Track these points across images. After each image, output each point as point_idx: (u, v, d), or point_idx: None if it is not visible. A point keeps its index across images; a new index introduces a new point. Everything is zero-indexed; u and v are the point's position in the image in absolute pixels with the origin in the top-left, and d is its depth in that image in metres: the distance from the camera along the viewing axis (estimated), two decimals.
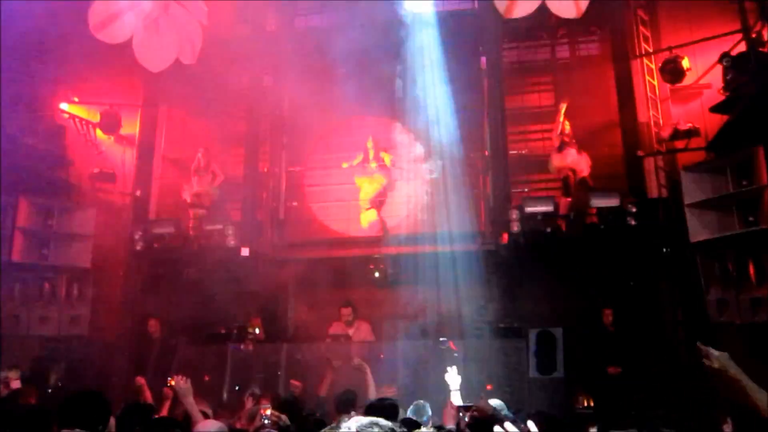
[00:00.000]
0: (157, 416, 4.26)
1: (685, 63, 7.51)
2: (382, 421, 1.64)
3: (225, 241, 8.11)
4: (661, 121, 7.94)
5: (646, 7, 8.28)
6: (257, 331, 7.67)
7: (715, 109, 6.95)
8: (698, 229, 6.79)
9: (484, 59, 8.71)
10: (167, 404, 5.33)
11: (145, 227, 8.40)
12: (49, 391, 7.24)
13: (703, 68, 7.63)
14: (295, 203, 9.29)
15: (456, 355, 6.48)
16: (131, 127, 9.18)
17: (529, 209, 7.29)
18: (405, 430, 2.71)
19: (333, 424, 1.82)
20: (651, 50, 8.13)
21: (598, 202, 7.31)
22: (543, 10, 7.41)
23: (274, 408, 3.85)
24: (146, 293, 8.47)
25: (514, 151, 8.53)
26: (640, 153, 7.86)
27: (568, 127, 8.00)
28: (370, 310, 7.98)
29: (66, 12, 7.70)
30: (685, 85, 7.79)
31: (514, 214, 7.30)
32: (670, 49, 7.64)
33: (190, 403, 4.00)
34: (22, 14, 7.24)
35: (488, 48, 8.64)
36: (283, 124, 9.46)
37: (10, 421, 3.43)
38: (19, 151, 7.71)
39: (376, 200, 8.79)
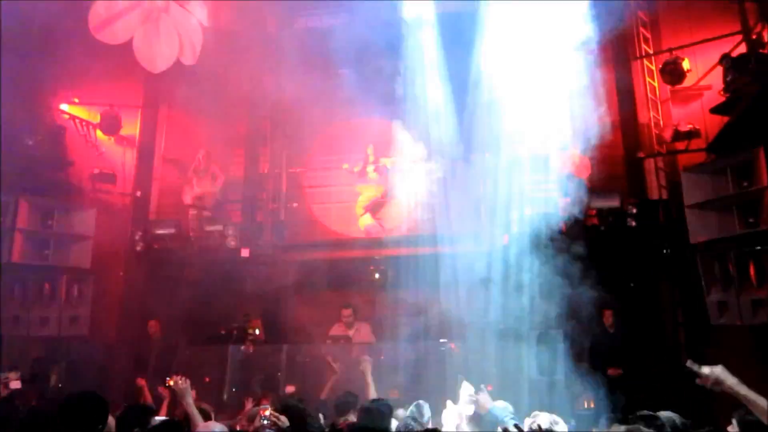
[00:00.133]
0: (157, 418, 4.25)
1: (686, 64, 7.51)
2: None
3: (225, 242, 8.12)
4: (661, 123, 7.95)
5: (647, 8, 8.28)
6: (257, 332, 7.68)
7: (716, 110, 6.93)
8: (699, 230, 6.78)
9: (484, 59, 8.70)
10: (165, 404, 5.33)
11: (145, 228, 8.42)
12: (49, 391, 7.24)
13: (704, 69, 7.62)
14: (295, 204, 9.29)
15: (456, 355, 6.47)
16: (131, 127, 9.20)
17: (528, 210, 7.27)
18: None
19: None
20: (651, 51, 8.14)
21: (599, 203, 7.31)
22: None
23: (275, 410, 3.84)
24: (146, 294, 8.47)
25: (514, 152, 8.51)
26: (640, 154, 7.88)
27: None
28: (371, 312, 7.98)
29: (66, 12, 7.70)
30: (686, 87, 7.79)
31: (515, 215, 7.29)
32: (670, 50, 7.63)
33: (189, 404, 3.98)
34: (23, 14, 7.25)
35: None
36: (283, 125, 9.46)
37: (10, 422, 3.42)
38: (20, 152, 7.71)
39: (370, 205, 8.86)
